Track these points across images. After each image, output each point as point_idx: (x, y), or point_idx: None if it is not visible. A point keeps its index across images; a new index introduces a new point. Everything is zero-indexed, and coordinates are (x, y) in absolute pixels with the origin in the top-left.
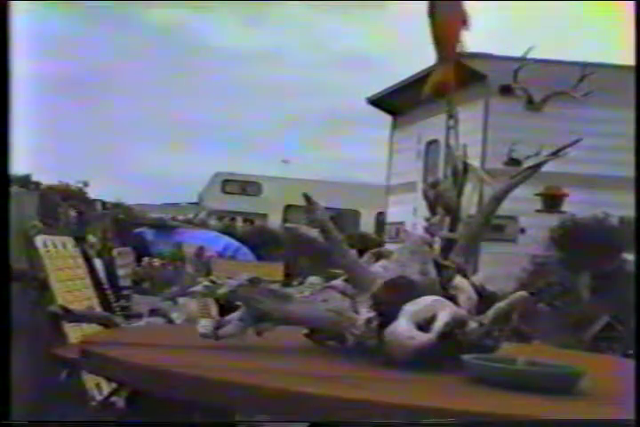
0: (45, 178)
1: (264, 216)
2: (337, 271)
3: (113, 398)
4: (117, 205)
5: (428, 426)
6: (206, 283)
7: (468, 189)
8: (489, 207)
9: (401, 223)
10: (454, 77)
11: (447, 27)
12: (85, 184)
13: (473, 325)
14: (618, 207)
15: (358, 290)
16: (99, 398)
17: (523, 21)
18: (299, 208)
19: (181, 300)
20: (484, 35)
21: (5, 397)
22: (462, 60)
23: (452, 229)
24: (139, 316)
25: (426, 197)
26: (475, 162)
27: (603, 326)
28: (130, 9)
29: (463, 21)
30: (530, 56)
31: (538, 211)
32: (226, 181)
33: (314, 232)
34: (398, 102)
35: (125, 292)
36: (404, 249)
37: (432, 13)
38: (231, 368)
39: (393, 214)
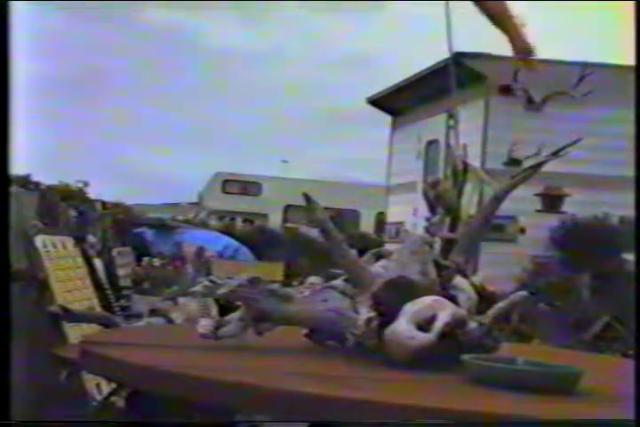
0: (45, 178)
1: (264, 216)
2: (337, 271)
3: (113, 398)
4: (117, 205)
5: (427, 426)
6: (206, 283)
7: (468, 189)
8: (489, 207)
9: (401, 223)
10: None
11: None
12: (85, 184)
13: (473, 325)
14: (618, 207)
15: (358, 290)
16: (99, 398)
17: (523, 21)
18: (299, 208)
19: (181, 300)
20: (483, 35)
21: (5, 397)
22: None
23: (452, 229)
24: (139, 316)
25: (426, 197)
26: (475, 162)
27: (603, 326)
28: (130, 9)
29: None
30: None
31: (538, 211)
32: (226, 181)
33: (314, 232)
34: (398, 102)
35: (125, 292)
36: (403, 249)
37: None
38: (231, 368)
39: (393, 214)
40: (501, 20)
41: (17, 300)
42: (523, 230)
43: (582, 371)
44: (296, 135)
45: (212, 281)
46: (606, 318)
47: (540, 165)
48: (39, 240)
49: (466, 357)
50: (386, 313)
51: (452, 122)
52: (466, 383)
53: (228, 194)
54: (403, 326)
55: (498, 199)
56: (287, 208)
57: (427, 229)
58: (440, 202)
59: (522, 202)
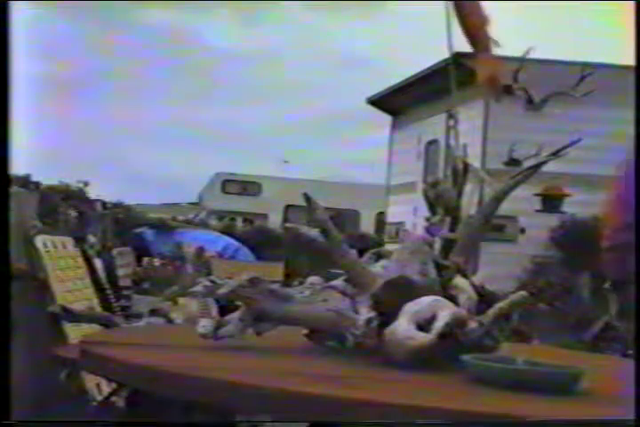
0: (45, 178)
1: (264, 216)
2: (337, 271)
3: (113, 398)
4: (117, 205)
5: (427, 426)
6: (206, 283)
7: (468, 189)
8: (489, 207)
9: (401, 223)
10: (499, 66)
11: (473, 20)
12: (85, 184)
13: (473, 325)
14: None
15: (358, 290)
16: (99, 398)
17: (522, 21)
18: (299, 208)
19: (181, 300)
20: None
21: (5, 397)
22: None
23: (452, 229)
24: (139, 316)
25: (426, 197)
26: (475, 162)
27: (603, 326)
28: (130, 9)
29: (485, 17)
30: (530, 56)
31: (538, 211)
32: (226, 181)
33: (314, 232)
34: (398, 102)
35: (125, 292)
36: (404, 249)
37: (458, 11)
38: (231, 368)
39: (393, 214)
40: (468, 19)
41: (17, 300)
42: (523, 230)
43: (582, 371)
44: (296, 135)
45: (212, 281)
46: (606, 318)
47: (539, 165)
48: (39, 240)
49: (466, 357)
50: (386, 313)
51: (451, 122)
52: (466, 383)
53: (228, 194)
54: (403, 326)
55: (498, 199)
56: (287, 208)
57: (427, 229)
58: (440, 202)
59: (522, 202)
